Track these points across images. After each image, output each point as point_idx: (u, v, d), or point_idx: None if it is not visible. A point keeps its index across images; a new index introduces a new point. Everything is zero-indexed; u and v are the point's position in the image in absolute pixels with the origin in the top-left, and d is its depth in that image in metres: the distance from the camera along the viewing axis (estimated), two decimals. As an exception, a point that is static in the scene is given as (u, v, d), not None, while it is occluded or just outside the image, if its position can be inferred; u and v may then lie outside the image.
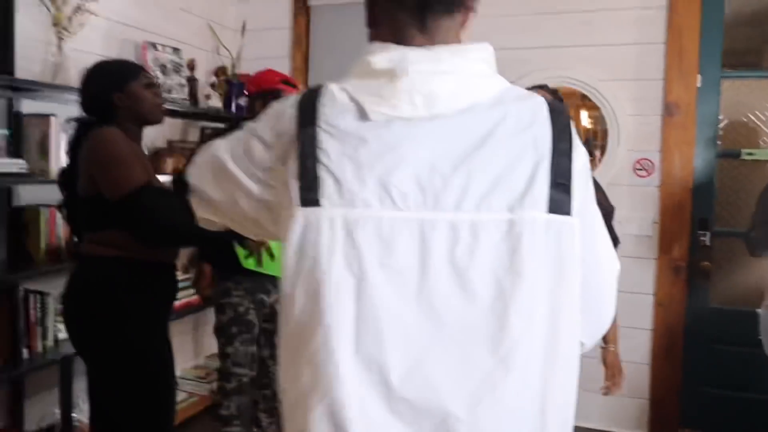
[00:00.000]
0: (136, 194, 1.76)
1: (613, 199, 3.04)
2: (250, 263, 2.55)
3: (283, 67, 3.86)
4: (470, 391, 0.82)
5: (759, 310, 2.54)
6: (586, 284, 0.90)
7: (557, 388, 0.87)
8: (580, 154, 0.90)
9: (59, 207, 2.43)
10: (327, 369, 0.81)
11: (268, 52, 3.87)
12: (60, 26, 2.51)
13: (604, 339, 2.32)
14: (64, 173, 2.01)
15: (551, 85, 2.44)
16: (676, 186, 3.22)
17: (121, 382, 1.87)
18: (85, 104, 1.98)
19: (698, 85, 3.20)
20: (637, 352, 3.30)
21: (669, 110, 3.20)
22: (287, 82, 2.63)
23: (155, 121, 2.03)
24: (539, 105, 0.90)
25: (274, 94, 2.50)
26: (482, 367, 0.82)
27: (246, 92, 2.87)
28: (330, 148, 0.85)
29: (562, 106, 0.94)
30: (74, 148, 1.93)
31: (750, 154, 3.22)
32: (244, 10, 3.92)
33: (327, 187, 0.84)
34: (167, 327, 2.06)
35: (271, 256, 2.56)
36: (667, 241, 3.23)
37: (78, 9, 2.55)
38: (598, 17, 3.31)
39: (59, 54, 2.53)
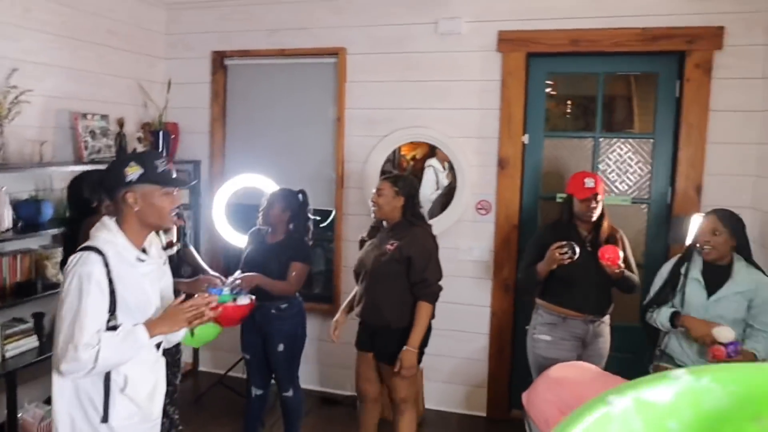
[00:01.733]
0: None
1: (459, 233, 3.96)
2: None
3: (204, 117, 4.67)
4: None
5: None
6: None
7: None
8: None
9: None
10: None
11: (190, 103, 4.66)
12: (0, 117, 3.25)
13: (409, 342, 3.11)
14: None
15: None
16: (506, 222, 4.11)
17: None
18: None
19: (526, 142, 4.08)
20: (477, 351, 4.22)
21: (501, 163, 4.08)
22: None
23: None
24: None
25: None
26: None
27: None
28: None
29: None
30: None
31: (562, 197, 4.11)
32: (170, 67, 4.69)
33: None
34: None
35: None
36: (500, 265, 4.13)
37: (15, 100, 3.31)
38: (451, 86, 4.15)
39: (1, 137, 3.27)
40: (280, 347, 3.55)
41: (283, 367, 3.61)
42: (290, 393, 3.64)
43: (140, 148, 4.19)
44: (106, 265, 2.03)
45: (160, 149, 4.39)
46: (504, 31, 3.99)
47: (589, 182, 3.29)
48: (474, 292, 4.17)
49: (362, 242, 3.46)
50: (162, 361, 2.34)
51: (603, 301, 3.34)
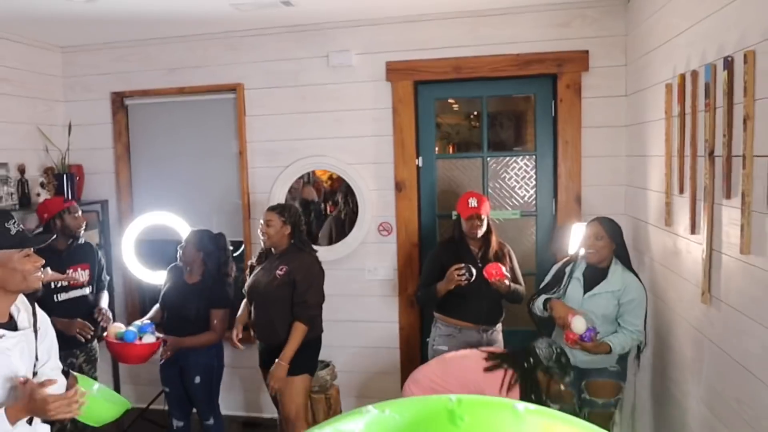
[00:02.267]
0: None
1: (364, 254, 4.18)
2: None
3: (108, 157, 4.73)
4: None
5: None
6: None
7: None
8: None
9: None
10: None
11: (93, 144, 4.71)
12: None
13: (281, 356, 3.34)
14: None
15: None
16: (407, 241, 4.33)
17: None
18: None
19: (420, 165, 4.32)
20: (389, 365, 4.43)
21: (398, 186, 4.31)
22: (68, 200, 3.64)
23: None
24: None
25: (63, 212, 3.52)
26: None
27: (42, 219, 3.69)
28: None
29: None
30: None
31: (458, 214, 4.38)
32: (70, 109, 4.73)
33: None
34: None
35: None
36: (404, 282, 4.35)
37: None
38: (346, 116, 4.35)
39: None
40: (197, 380, 3.68)
41: (202, 398, 3.74)
42: (211, 422, 3.77)
43: (44, 194, 4.22)
44: None
45: (65, 192, 4.42)
46: (391, 61, 4.22)
47: (472, 202, 3.56)
48: (382, 309, 4.39)
49: (251, 267, 3.68)
50: (42, 427, 2.24)
51: (494, 312, 3.63)
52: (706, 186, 2.50)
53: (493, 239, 3.64)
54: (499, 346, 3.64)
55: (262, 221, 3.52)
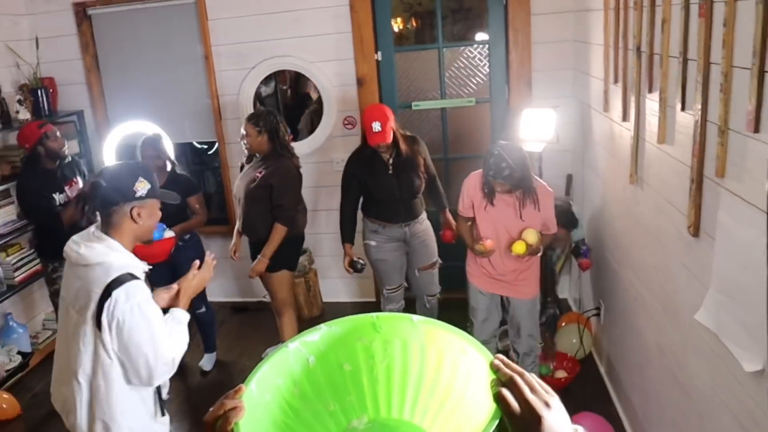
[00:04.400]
0: None
1: (332, 147, 4.45)
2: None
3: (78, 68, 4.86)
4: None
5: None
6: None
7: None
8: None
9: None
10: None
11: (62, 56, 4.83)
12: None
13: (262, 252, 3.68)
14: None
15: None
16: (371, 134, 4.60)
17: None
18: None
19: (379, 59, 4.52)
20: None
21: (360, 81, 4.53)
22: (43, 125, 3.83)
23: None
24: None
25: (43, 138, 3.73)
26: None
27: (26, 149, 3.92)
28: None
29: None
30: None
31: (417, 105, 4.64)
32: (35, 23, 4.80)
33: None
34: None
35: None
36: (371, 172, 4.66)
37: None
38: (305, 15, 4.48)
39: None
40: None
41: None
42: (203, 309, 4.20)
43: (23, 111, 4.40)
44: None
45: (42, 105, 4.60)
46: (346, -43, 4.31)
47: (376, 126, 3.50)
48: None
49: (242, 167, 3.94)
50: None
51: (411, 210, 3.80)
52: (634, 78, 2.75)
53: (402, 146, 3.66)
54: (426, 233, 3.87)
55: (242, 131, 3.76)
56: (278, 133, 3.72)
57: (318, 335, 0.96)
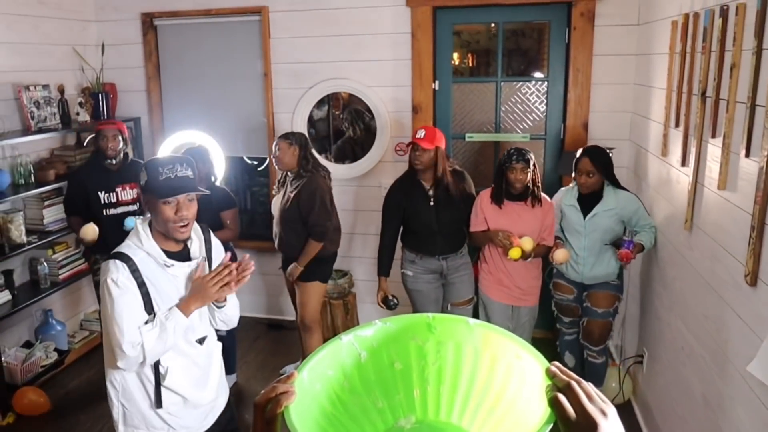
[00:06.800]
0: None
1: (381, 172, 4.46)
2: None
3: (140, 76, 4.97)
4: None
5: None
6: None
7: None
8: None
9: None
10: None
11: (125, 63, 4.94)
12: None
13: (297, 261, 3.78)
14: None
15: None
16: (422, 162, 4.59)
17: None
18: None
19: (436, 89, 4.53)
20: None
21: (415, 108, 4.54)
22: (105, 122, 4.02)
23: None
24: None
25: (97, 135, 3.92)
26: None
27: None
28: None
29: None
30: None
31: (471, 137, 4.63)
32: (102, 29, 4.92)
33: None
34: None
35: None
36: (418, 200, 4.64)
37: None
38: (365, 40, 4.53)
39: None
40: None
41: None
42: (223, 332, 4.17)
43: (82, 113, 4.50)
44: (135, 269, 2.10)
45: (101, 110, 4.70)
46: (411, -13, 4.35)
47: (420, 133, 3.52)
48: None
49: (277, 185, 4.01)
50: (211, 355, 2.38)
51: (449, 243, 3.71)
52: (696, 123, 2.73)
53: (447, 178, 3.59)
54: (466, 267, 3.80)
55: (275, 149, 3.80)
56: (307, 150, 3.81)
57: (372, 331, 0.95)
